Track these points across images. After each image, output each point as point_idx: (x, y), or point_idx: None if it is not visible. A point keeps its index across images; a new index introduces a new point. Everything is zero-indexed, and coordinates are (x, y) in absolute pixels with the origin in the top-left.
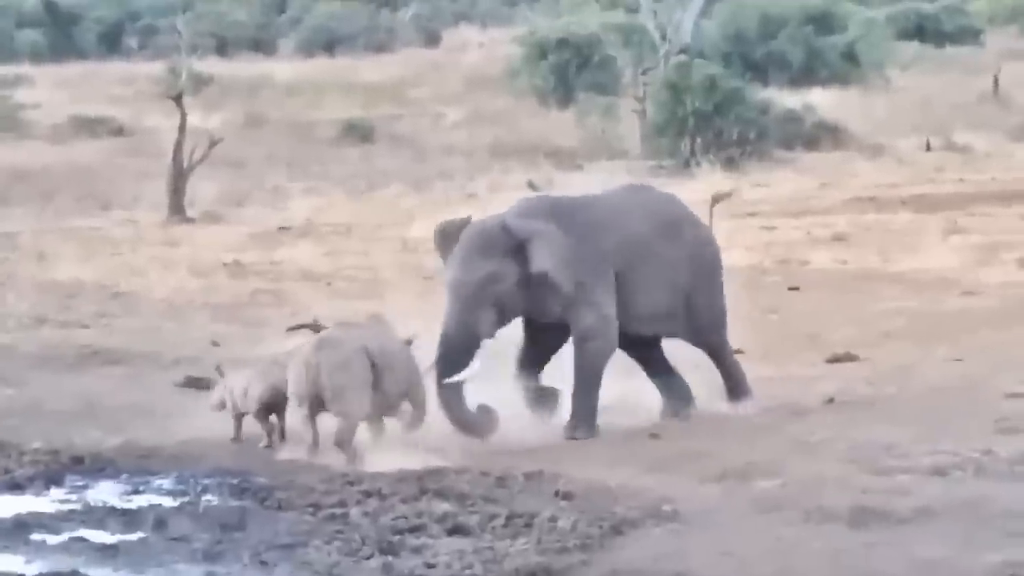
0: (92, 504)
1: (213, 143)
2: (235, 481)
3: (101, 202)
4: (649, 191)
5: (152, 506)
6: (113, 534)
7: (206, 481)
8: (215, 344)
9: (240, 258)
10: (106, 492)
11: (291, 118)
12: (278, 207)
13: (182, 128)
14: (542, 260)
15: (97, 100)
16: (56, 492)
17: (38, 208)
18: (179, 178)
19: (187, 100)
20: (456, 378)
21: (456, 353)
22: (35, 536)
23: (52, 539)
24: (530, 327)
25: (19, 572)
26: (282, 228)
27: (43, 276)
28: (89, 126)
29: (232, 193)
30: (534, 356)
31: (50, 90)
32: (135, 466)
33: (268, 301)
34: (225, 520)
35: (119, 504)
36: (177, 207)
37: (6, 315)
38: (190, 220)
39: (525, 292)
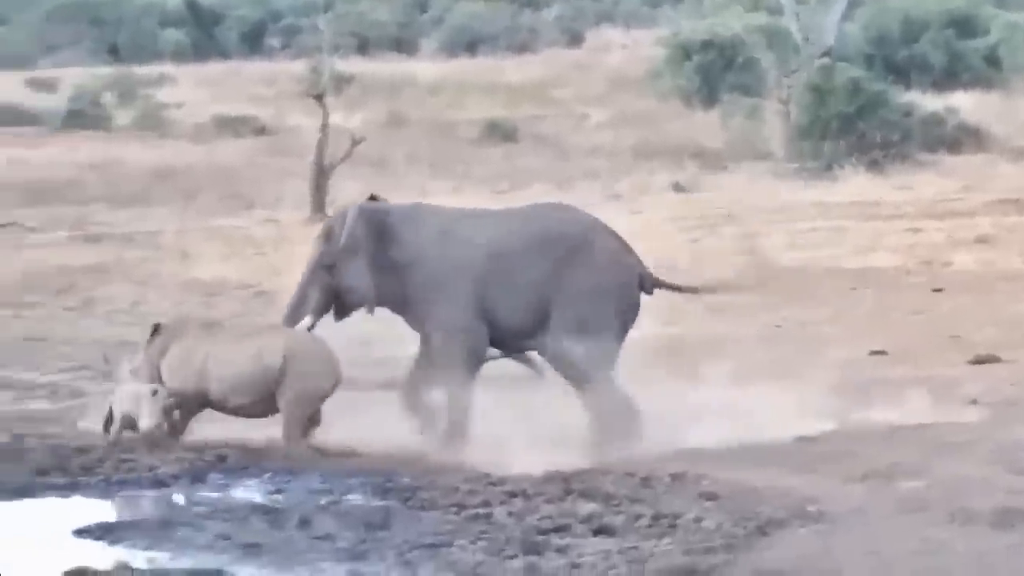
0: (237, 502)
1: (355, 142)
2: (379, 480)
3: (243, 201)
4: (552, 210)
5: (297, 505)
6: (258, 532)
7: (350, 480)
8: (364, 344)
9: None
10: (251, 491)
11: (433, 117)
12: None
13: (324, 127)
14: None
15: (239, 99)
16: (201, 490)
17: (181, 207)
18: (321, 177)
19: (329, 99)
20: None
21: (292, 318)
22: (180, 533)
23: (197, 537)
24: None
25: (164, 568)
26: None
27: (186, 275)
28: (231, 125)
29: (374, 192)
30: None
31: (192, 89)
32: (280, 465)
33: None
34: (369, 519)
35: (264, 502)
36: (319, 206)
37: (148, 313)
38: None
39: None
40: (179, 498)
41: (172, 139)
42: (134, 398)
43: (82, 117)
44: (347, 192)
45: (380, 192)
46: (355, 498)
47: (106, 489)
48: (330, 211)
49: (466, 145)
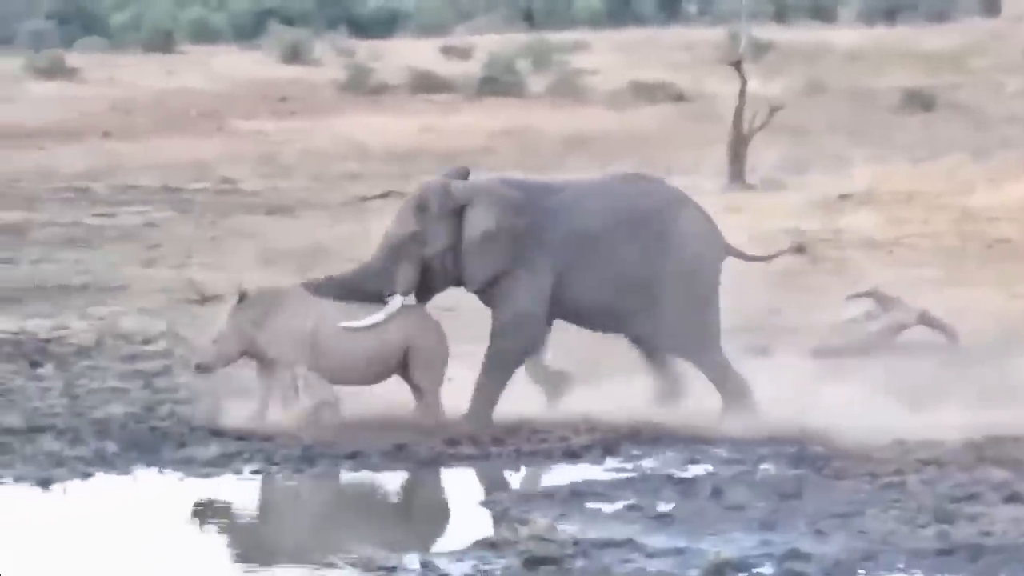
0: (648, 473)
1: (773, 110)
2: (792, 450)
3: (660, 167)
4: (637, 183)
5: (708, 475)
6: (669, 503)
7: (762, 450)
8: (774, 312)
9: (801, 225)
10: (662, 461)
11: (851, 85)
12: (839, 174)
13: (742, 94)
14: (474, 228)
15: (656, 66)
16: (612, 461)
17: (597, 173)
18: (739, 144)
19: (747, 66)
20: (354, 324)
21: (356, 287)
22: (591, 505)
23: (607, 508)
24: None
25: (575, 540)
26: (843, 196)
27: None
28: (648, 92)
29: (792, 160)
30: None
31: (608, 56)
32: (691, 435)
33: (828, 268)
34: (782, 489)
35: (675, 473)
36: (737, 173)
37: None
38: (750, 187)
39: (456, 258)
40: (590, 469)
41: (587, 105)
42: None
43: (496, 84)
44: (766, 160)
45: (800, 160)
46: (768, 467)
47: (516, 460)
48: (749, 179)
49: (885, 113)
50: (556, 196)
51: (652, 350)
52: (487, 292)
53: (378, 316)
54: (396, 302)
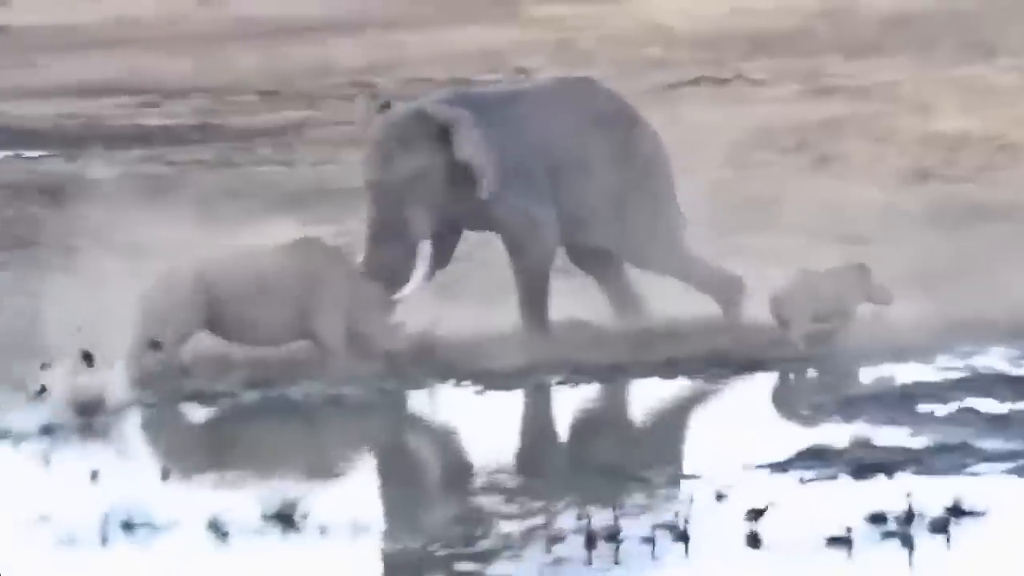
0: (981, 372)
1: None
2: None
3: (985, 48)
4: (584, 85)
5: None
6: (1003, 403)
7: None
8: None
9: None
10: (995, 358)
11: None
12: None
13: None
14: (468, 146)
15: None
16: (943, 360)
17: (919, 56)
18: None
19: None
20: (405, 292)
21: (392, 261)
22: (921, 407)
23: (940, 409)
24: None
25: (904, 445)
26: None
27: (925, 128)
28: None
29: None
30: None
31: None
32: None
33: None
34: None
35: (1009, 371)
36: None
37: (887, 172)
38: None
39: (451, 185)
40: (920, 369)
41: None
42: None
43: None
44: None
45: None
46: None
47: (836, 361)
48: None
49: None
50: (523, 102)
51: (612, 265)
52: (494, 216)
53: (419, 273)
54: (425, 248)
